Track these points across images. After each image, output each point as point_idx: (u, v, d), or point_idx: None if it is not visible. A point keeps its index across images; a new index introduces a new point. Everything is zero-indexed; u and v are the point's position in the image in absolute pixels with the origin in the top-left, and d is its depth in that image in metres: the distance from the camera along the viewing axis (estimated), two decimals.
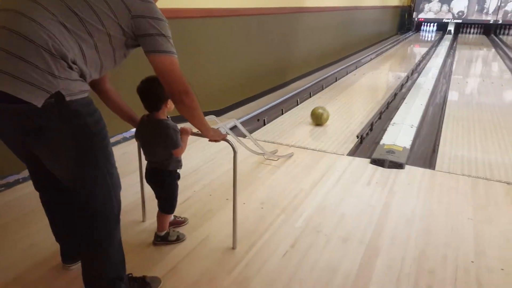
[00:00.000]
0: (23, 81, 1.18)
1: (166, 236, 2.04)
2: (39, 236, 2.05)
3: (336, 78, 6.66)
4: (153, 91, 1.74)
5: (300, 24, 6.44)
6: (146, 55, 1.39)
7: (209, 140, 1.85)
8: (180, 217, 2.25)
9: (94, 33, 1.30)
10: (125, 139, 3.37)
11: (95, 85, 1.58)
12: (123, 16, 1.32)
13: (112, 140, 3.24)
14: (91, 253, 1.50)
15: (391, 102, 5.17)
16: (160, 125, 1.81)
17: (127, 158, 3.02)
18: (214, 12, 4.18)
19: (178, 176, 1.97)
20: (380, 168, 3.03)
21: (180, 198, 2.03)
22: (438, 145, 3.57)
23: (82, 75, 1.32)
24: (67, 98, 1.24)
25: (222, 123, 2.63)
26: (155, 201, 2.02)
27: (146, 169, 1.97)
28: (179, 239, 2.07)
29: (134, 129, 1.91)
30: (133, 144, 2.13)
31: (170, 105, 1.81)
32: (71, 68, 1.26)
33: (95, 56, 1.33)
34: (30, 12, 1.21)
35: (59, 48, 1.22)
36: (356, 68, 7.72)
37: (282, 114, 4.54)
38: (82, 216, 1.45)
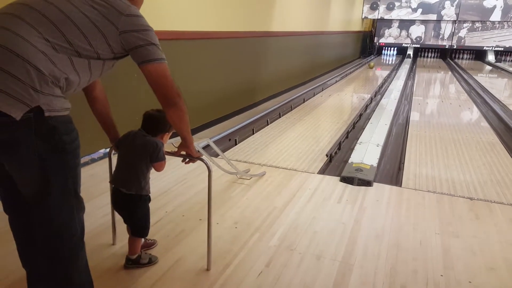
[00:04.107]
0: (3, 93, 1.16)
1: (138, 259, 1.98)
2: (7, 260, 1.94)
3: (303, 99, 6.81)
4: (160, 120, 1.81)
5: (269, 47, 6.59)
6: (139, 66, 1.42)
7: (185, 162, 1.84)
8: (150, 239, 2.19)
9: (82, 52, 1.32)
10: (93, 160, 3.29)
11: (84, 91, 1.62)
12: (111, 33, 1.35)
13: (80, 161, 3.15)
14: (51, 277, 1.43)
15: (356, 122, 5.33)
16: (147, 138, 1.82)
17: (95, 179, 2.95)
18: (185, 35, 4.21)
19: (149, 199, 1.94)
20: (350, 186, 3.09)
21: (151, 219, 1.99)
22: (403, 163, 3.69)
23: (69, 85, 1.32)
24: (46, 114, 1.23)
25: (195, 143, 2.63)
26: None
27: (114, 196, 1.91)
28: (151, 261, 2.01)
29: (103, 150, 1.87)
30: (102, 165, 2.08)
31: (166, 139, 1.88)
32: (55, 84, 1.25)
33: (85, 67, 1.35)
34: (16, 29, 1.22)
35: (45, 64, 1.21)
36: (322, 90, 7.93)
37: (253, 133, 4.58)
38: (43, 236, 1.40)
